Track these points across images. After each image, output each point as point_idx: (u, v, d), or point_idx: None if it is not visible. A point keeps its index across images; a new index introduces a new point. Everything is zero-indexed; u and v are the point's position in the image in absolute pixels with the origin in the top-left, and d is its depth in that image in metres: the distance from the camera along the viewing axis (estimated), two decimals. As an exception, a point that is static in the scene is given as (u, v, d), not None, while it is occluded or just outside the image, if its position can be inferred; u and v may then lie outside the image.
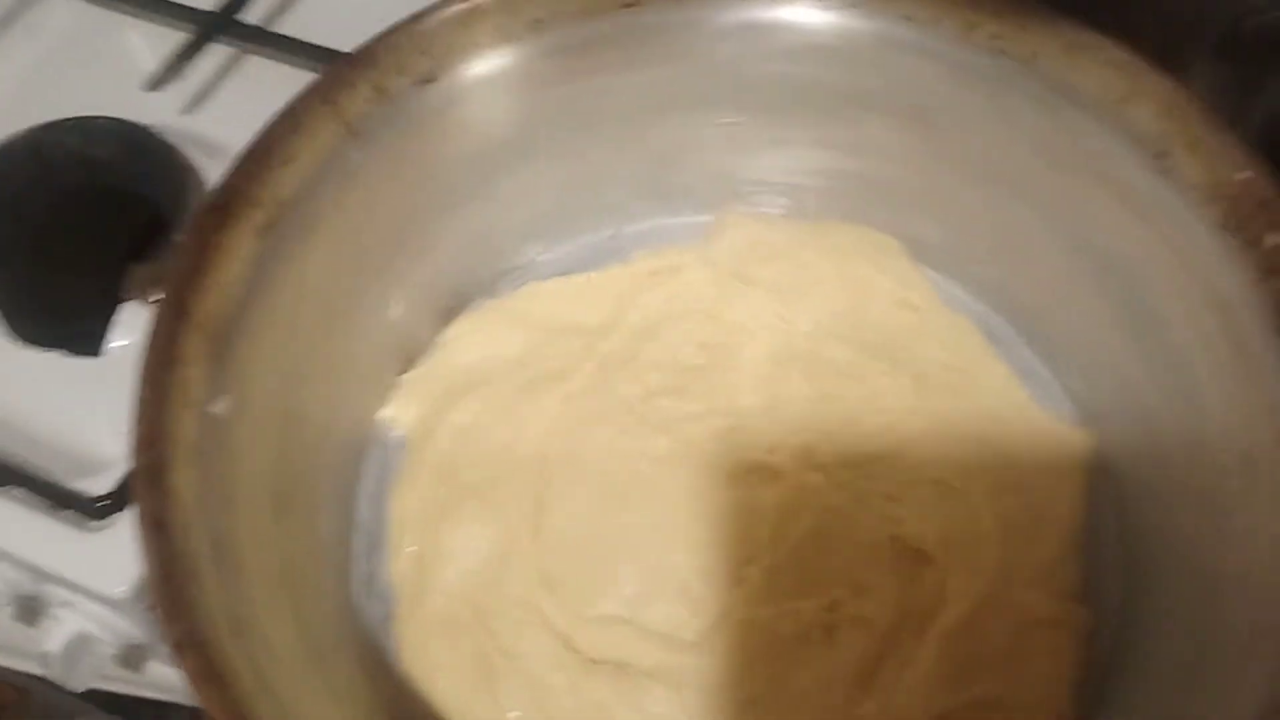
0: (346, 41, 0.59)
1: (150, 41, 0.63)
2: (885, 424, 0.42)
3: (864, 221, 0.48)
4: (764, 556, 0.38)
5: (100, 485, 0.46)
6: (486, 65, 0.42)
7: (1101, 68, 0.39)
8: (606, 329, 0.46)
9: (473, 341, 0.46)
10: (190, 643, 0.26)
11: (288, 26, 0.62)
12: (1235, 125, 0.37)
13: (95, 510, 0.45)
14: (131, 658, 0.57)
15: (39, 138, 0.56)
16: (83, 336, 0.35)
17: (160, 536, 0.28)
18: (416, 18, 0.40)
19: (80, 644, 0.52)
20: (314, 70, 0.59)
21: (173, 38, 0.61)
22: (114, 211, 0.36)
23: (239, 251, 0.35)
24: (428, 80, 0.41)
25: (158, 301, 0.32)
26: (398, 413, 0.45)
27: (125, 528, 0.45)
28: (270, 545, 0.35)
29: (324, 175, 0.39)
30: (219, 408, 0.34)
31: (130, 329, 0.51)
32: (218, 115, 0.59)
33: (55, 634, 0.51)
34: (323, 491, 0.40)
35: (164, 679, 0.58)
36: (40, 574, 0.46)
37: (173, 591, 0.27)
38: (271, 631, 0.32)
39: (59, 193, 0.35)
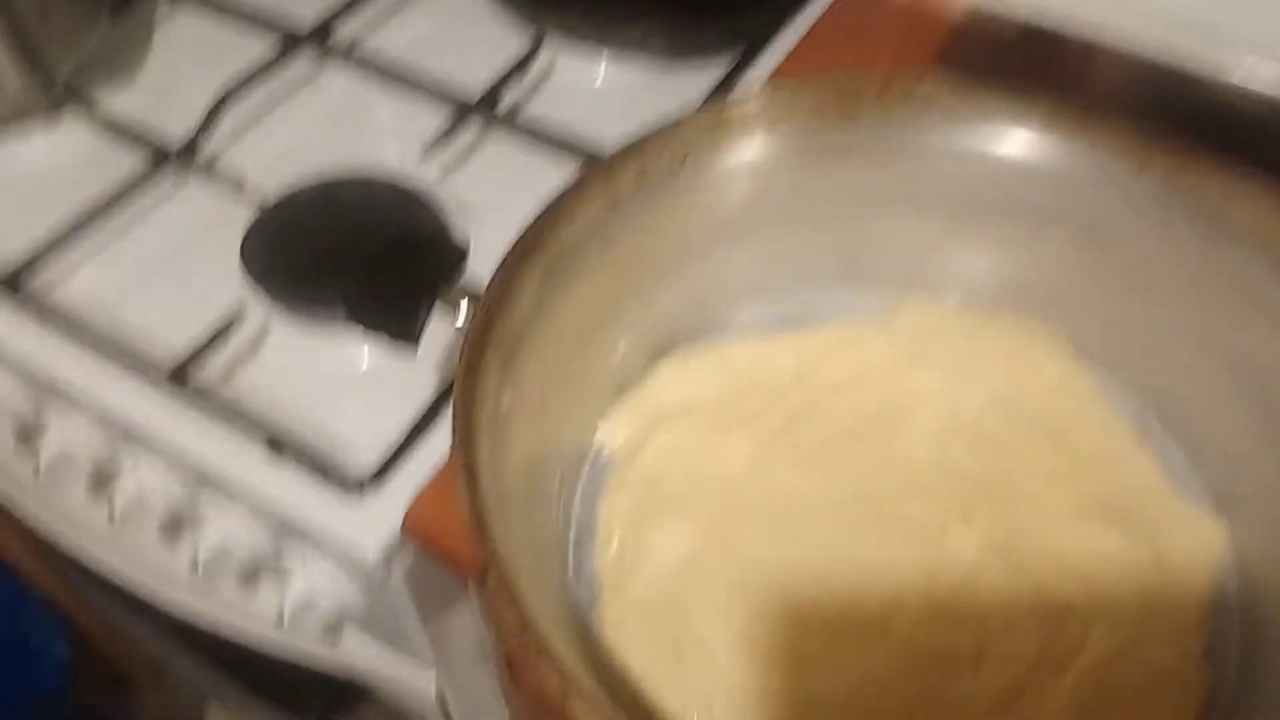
0: (574, 125, 0.71)
1: (410, 116, 0.76)
2: (1040, 492, 0.48)
3: (1032, 317, 0.55)
4: (925, 591, 0.45)
5: (357, 466, 0.56)
6: (728, 158, 0.51)
7: (1256, 205, 0.45)
8: (793, 385, 0.54)
9: (677, 382, 0.54)
10: (494, 562, 0.35)
11: (533, 112, 0.74)
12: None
13: (357, 483, 0.55)
14: (336, 627, 0.66)
15: (329, 188, 0.68)
16: (405, 335, 0.45)
17: (472, 482, 0.37)
18: (678, 122, 0.49)
19: (309, 602, 0.61)
20: (548, 154, 0.71)
21: (415, 115, 0.74)
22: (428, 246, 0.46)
23: (530, 287, 0.45)
24: (675, 170, 0.50)
25: (470, 321, 0.41)
26: (609, 434, 0.53)
27: (378, 505, 0.55)
28: (522, 521, 0.43)
29: (591, 234, 0.48)
30: (503, 402, 0.42)
31: (378, 355, 0.61)
32: (464, 182, 0.71)
33: (290, 593, 0.60)
34: (552, 489, 0.49)
35: (354, 654, 0.67)
36: (296, 533, 0.56)
37: (481, 521, 0.36)
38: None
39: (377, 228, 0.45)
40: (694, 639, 0.45)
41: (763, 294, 0.57)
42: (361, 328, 0.46)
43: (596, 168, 0.48)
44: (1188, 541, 0.47)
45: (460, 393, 0.40)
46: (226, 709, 1.36)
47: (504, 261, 0.44)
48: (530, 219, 0.46)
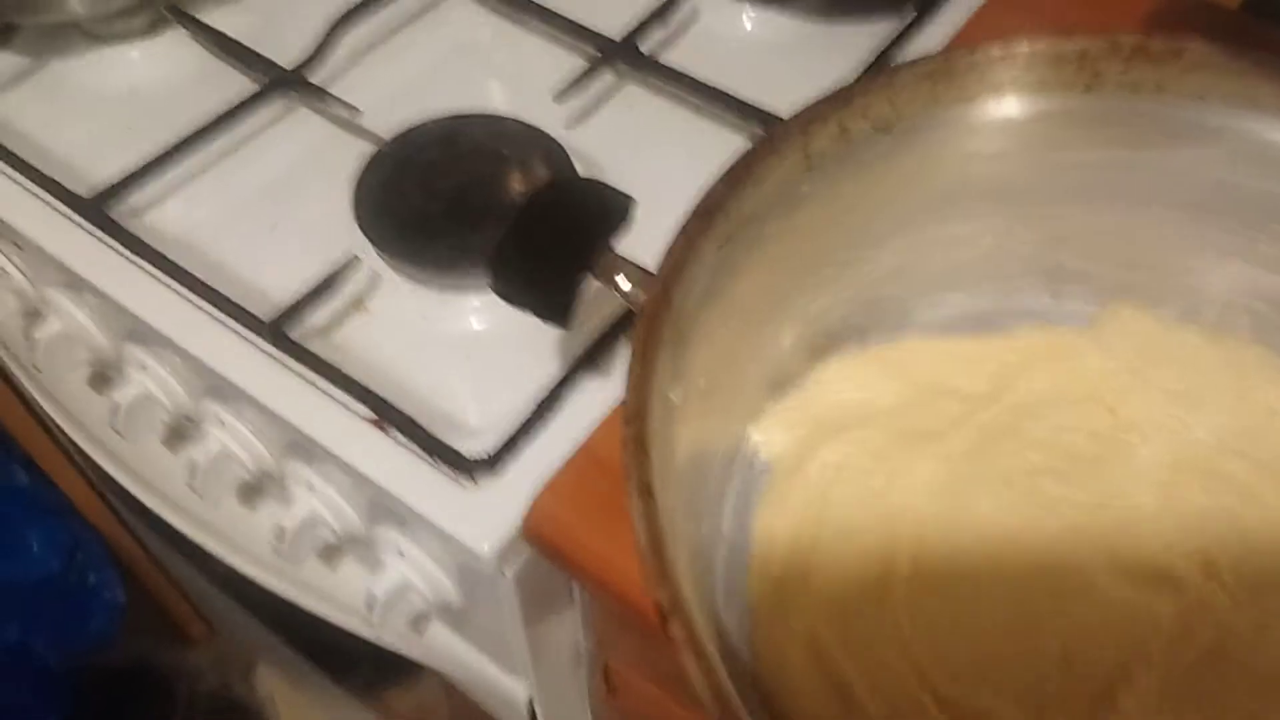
0: (719, 77, 0.63)
1: (537, 56, 0.68)
2: (1287, 554, 0.40)
3: (1265, 342, 0.46)
4: (1154, 671, 0.37)
5: (470, 447, 0.49)
6: (941, 122, 0.43)
7: None
8: (987, 398, 0.46)
9: (846, 384, 0.47)
10: (679, 610, 0.27)
11: (675, 59, 0.66)
12: None
13: (469, 467, 0.48)
14: (423, 619, 0.59)
15: (451, 126, 0.61)
16: (556, 309, 0.37)
17: (649, 503, 0.29)
18: (893, 70, 0.41)
19: (402, 593, 0.54)
20: (687, 103, 0.63)
21: (554, 55, 0.66)
22: (582, 203, 0.39)
23: (707, 258, 0.37)
24: (884, 129, 0.42)
25: (644, 302, 0.34)
26: (766, 436, 0.46)
27: (493, 491, 0.48)
28: (685, 539, 0.36)
29: (778, 199, 0.40)
30: (675, 395, 0.35)
31: (490, 313, 0.55)
32: (594, 132, 0.64)
33: (385, 579, 0.54)
34: (708, 498, 0.41)
35: (438, 645, 0.61)
36: (397, 517, 0.49)
37: (660, 557, 0.28)
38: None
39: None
40: (866, 689, 0.38)
41: (952, 287, 0.49)
42: (505, 300, 0.38)
43: (792, 122, 0.40)
44: None
45: (634, 392, 0.32)
46: (275, 668, 1.33)
47: (683, 229, 0.37)
48: (714, 179, 0.39)
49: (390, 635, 0.59)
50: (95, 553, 1.10)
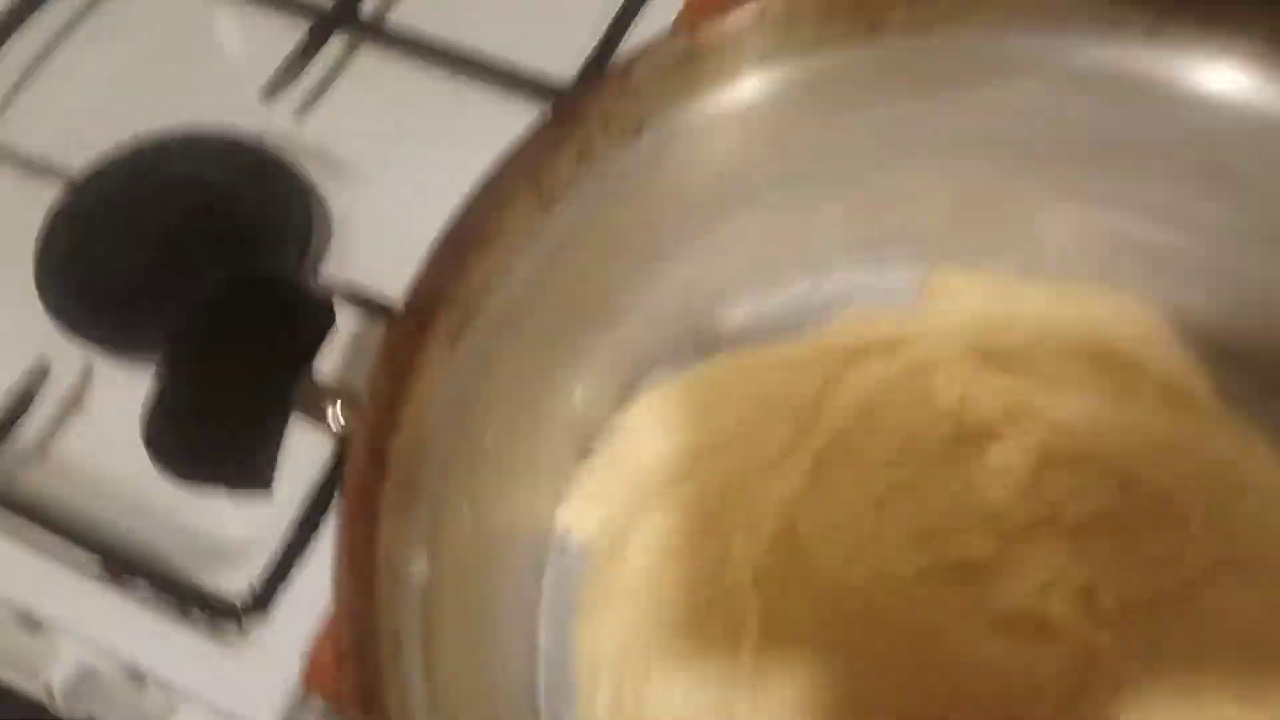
0: (463, 33, 0.53)
1: (241, 27, 0.57)
2: (1170, 554, 0.35)
3: (1114, 284, 0.41)
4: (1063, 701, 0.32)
5: (230, 579, 0.41)
6: (700, 111, 0.35)
7: None
8: (817, 412, 0.39)
9: (660, 426, 0.39)
10: None
11: (400, 20, 0.55)
12: None
13: (232, 616, 0.39)
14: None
15: (142, 159, 0.50)
16: (252, 473, 0.28)
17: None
18: (629, 62, 0.32)
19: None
20: (430, 67, 0.52)
21: (266, 25, 0.55)
22: (280, 304, 0.30)
23: (432, 370, 0.29)
24: (635, 132, 0.33)
25: (350, 455, 0.25)
26: (577, 516, 0.38)
27: (265, 638, 0.40)
28: (467, 710, 0.29)
29: (518, 256, 0.32)
30: (416, 569, 0.27)
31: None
32: (330, 120, 0.53)
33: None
34: (503, 618, 0.34)
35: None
36: (173, 692, 0.41)
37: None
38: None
39: (211, 284, 0.28)
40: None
41: (759, 284, 0.42)
42: (181, 482, 0.29)
43: (513, 161, 0.31)
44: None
45: (348, 615, 0.24)
46: None
47: (387, 346, 0.28)
48: (424, 262, 0.30)
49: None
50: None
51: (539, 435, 0.36)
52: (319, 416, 0.29)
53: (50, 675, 0.44)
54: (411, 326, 0.28)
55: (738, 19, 0.33)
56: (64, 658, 0.43)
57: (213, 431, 0.28)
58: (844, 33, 0.35)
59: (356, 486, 0.25)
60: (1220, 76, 0.35)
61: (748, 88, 0.35)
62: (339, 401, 0.29)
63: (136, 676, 0.44)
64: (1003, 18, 0.35)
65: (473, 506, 0.31)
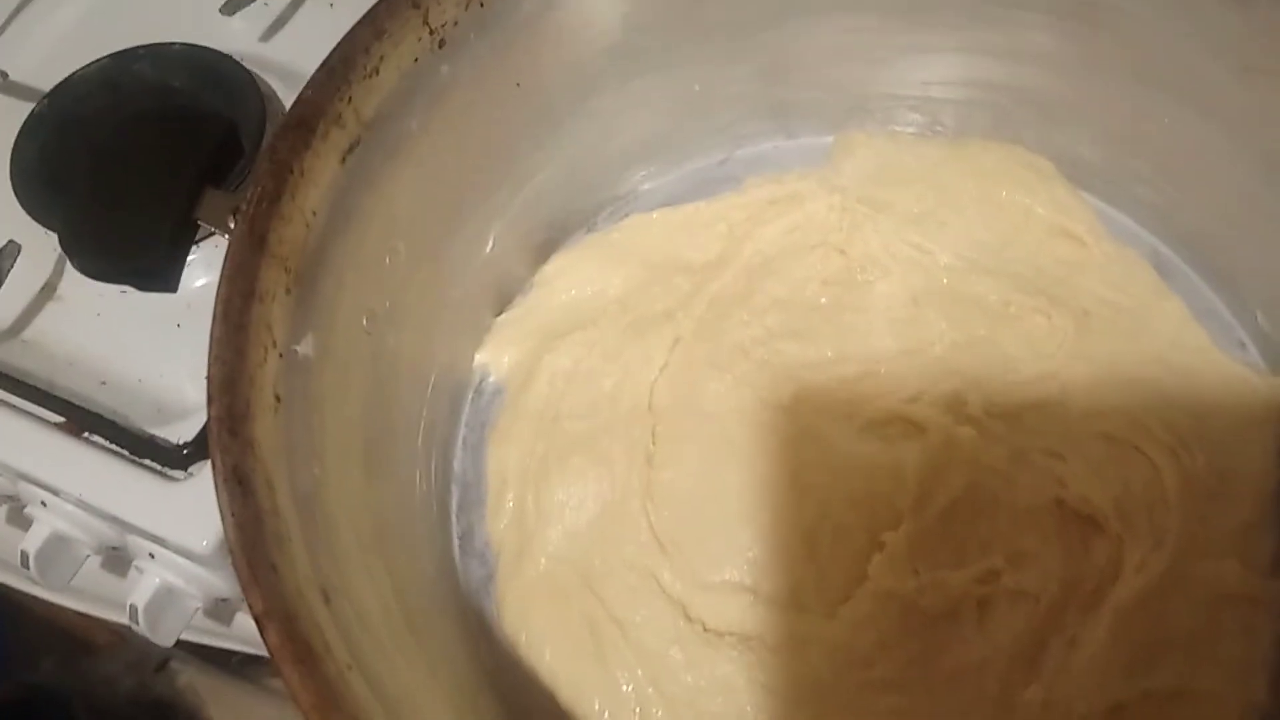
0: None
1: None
2: (1044, 370, 0.37)
3: (1010, 139, 0.43)
4: (907, 521, 0.34)
5: (182, 432, 0.44)
6: (590, -35, 0.37)
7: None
8: (718, 265, 0.41)
9: (572, 280, 0.42)
10: (275, 614, 0.23)
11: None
12: None
13: (176, 459, 0.43)
14: (220, 611, 0.55)
15: (112, 67, 0.53)
16: (155, 271, 0.31)
17: (242, 493, 0.25)
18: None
19: (165, 597, 0.49)
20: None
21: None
22: (186, 135, 0.33)
23: (321, 176, 0.31)
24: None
25: (233, 232, 0.28)
26: (493, 357, 0.41)
27: (208, 478, 0.43)
28: (363, 502, 0.32)
29: (411, 91, 0.34)
30: (303, 348, 0.30)
31: (212, 267, 0.48)
32: (296, 40, 0.56)
33: (140, 587, 0.49)
34: (418, 443, 0.37)
35: (253, 633, 0.56)
36: (122, 526, 0.44)
37: (256, 556, 0.24)
38: (365, 598, 0.29)
39: (129, 119, 0.31)
40: (615, 622, 0.34)
41: (666, 153, 0.44)
42: (93, 277, 0.32)
43: (400, -6, 0.34)
44: (1234, 410, 0.36)
45: (217, 357, 0.27)
46: (187, 662, 1.28)
47: (271, 146, 0.31)
48: (310, 80, 0.32)
49: (193, 635, 0.54)
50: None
51: (450, 275, 0.39)
52: (221, 224, 0.32)
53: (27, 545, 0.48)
54: (294, 134, 0.31)
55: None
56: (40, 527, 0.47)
57: (122, 237, 0.31)
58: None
59: (237, 255, 0.28)
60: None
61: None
62: (238, 209, 0.32)
63: (111, 543, 0.48)
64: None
65: (372, 320, 0.34)
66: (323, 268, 0.32)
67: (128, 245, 0.30)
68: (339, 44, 0.32)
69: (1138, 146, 0.39)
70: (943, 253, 0.40)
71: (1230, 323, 0.39)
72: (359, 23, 0.33)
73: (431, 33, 0.34)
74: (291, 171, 0.30)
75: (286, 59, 0.55)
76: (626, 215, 0.44)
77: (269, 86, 0.54)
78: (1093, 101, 0.39)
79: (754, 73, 0.42)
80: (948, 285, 0.39)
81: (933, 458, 0.34)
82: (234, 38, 0.55)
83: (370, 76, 0.33)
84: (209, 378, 0.26)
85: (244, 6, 0.54)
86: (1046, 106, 0.41)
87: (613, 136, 0.42)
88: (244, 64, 0.53)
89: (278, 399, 0.28)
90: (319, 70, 0.32)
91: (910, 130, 0.44)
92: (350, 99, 0.32)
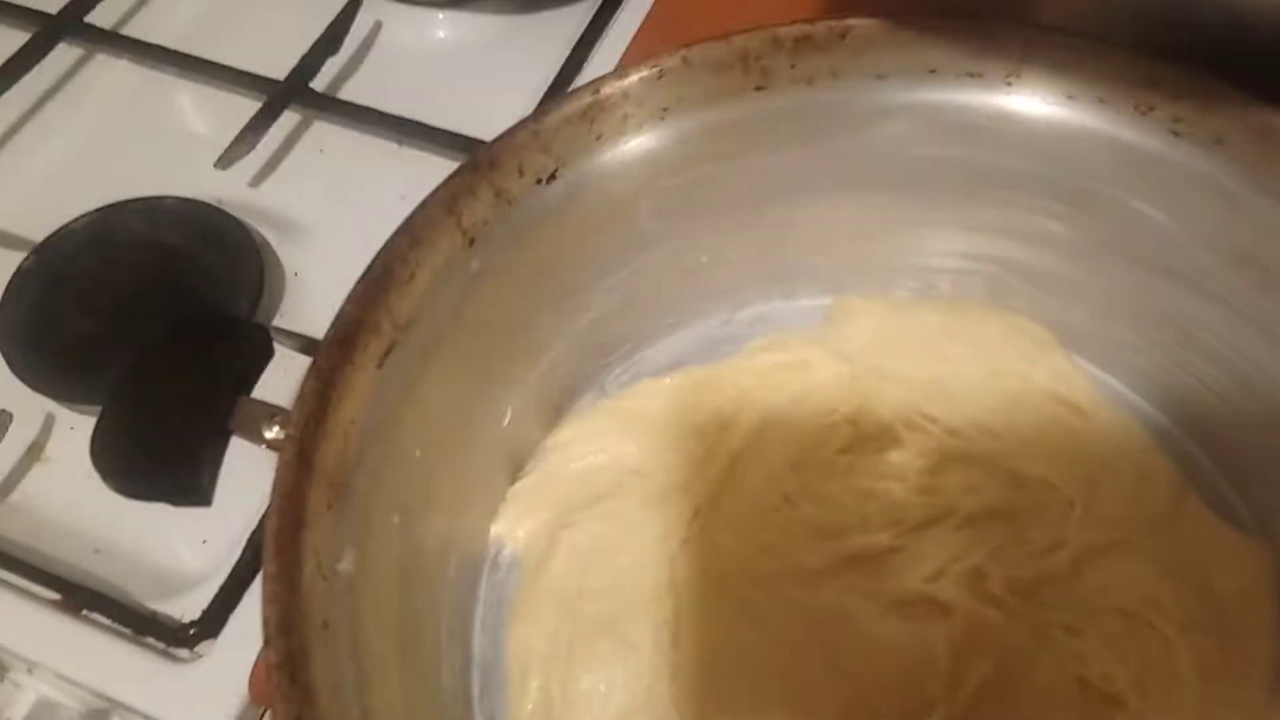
0: (414, 97, 0.57)
1: (199, 103, 0.60)
2: (1056, 539, 0.38)
3: (1002, 304, 0.44)
4: (940, 707, 0.34)
5: (185, 608, 0.43)
6: (609, 158, 0.38)
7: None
8: (728, 430, 0.42)
9: (587, 446, 0.42)
10: None
11: (351, 93, 0.60)
12: None
13: (183, 638, 0.42)
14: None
15: (102, 222, 0.53)
16: (192, 488, 0.31)
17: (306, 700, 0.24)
18: (539, 114, 0.36)
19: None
20: (382, 137, 0.56)
21: (224, 100, 0.59)
22: (219, 339, 0.33)
23: (360, 385, 0.32)
24: (548, 178, 0.37)
25: (280, 454, 0.28)
26: (509, 528, 0.41)
27: (217, 658, 0.42)
28: (398, 701, 0.31)
29: (441, 289, 0.35)
30: (344, 565, 0.30)
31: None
32: (286, 186, 0.57)
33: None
34: (442, 632, 0.37)
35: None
36: (124, 709, 0.43)
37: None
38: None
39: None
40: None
41: (676, 318, 0.45)
42: (125, 495, 0.32)
43: (433, 198, 0.35)
44: (1239, 584, 0.37)
45: (272, 598, 0.27)
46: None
47: (316, 365, 0.31)
48: (351, 292, 0.33)
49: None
50: None
51: (470, 454, 0.39)
52: (256, 434, 0.32)
53: (12, 713, 0.46)
54: (337, 349, 0.31)
55: (638, 75, 0.37)
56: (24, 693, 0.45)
57: (154, 451, 0.31)
58: (735, 87, 0.39)
59: (285, 482, 0.28)
60: (1072, 114, 0.39)
61: (651, 137, 0.39)
62: (274, 421, 0.32)
63: (98, 708, 0.46)
64: (876, 68, 0.39)
65: (403, 515, 0.34)
66: (360, 475, 0.32)
67: (169, 465, 0.30)
68: (378, 254, 0.33)
69: (1132, 322, 0.41)
70: (951, 422, 0.41)
71: (1226, 490, 0.40)
72: (396, 232, 0.33)
73: (464, 233, 0.35)
74: (335, 387, 0.31)
75: (278, 206, 0.56)
76: (635, 381, 0.44)
77: (262, 236, 0.54)
78: (1085, 278, 0.42)
79: (759, 243, 0.44)
80: (959, 451, 0.40)
81: (960, 641, 0.35)
82: (222, 184, 0.55)
83: (406, 284, 0.33)
84: (264, 619, 0.26)
85: (239, 160, 0.54)
86: (1042, 279, 0.43)
87: (623, 307, 0.43)
88: (234, 213, 0.54)
89: (325, 625, 0.28)
90: (359, 282, 0.32)
91: (905, 294, 0.45)
92: (387, 308, 0.33)
